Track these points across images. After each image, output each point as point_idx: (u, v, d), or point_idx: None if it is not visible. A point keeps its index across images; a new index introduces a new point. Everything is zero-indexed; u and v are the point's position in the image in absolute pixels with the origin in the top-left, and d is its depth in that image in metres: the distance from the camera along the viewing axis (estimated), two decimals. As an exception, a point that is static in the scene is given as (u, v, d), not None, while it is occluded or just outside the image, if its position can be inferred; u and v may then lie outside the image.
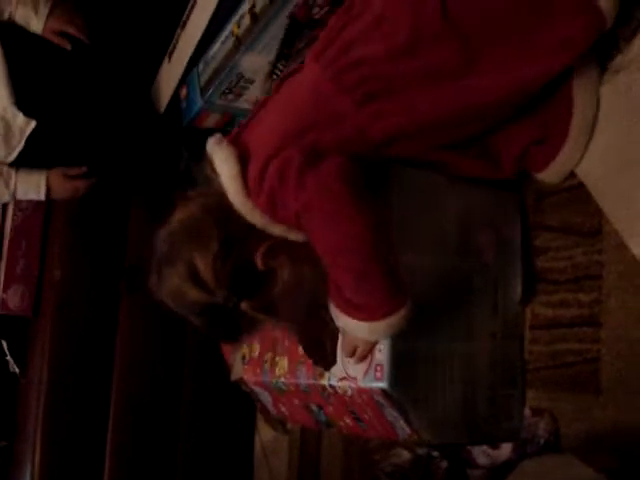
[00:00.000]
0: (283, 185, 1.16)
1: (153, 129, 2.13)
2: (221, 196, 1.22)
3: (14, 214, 2.28)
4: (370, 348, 1.26)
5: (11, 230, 2.26)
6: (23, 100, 1.98)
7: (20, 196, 2.10)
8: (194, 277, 1.20)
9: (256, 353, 1.66)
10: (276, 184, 1.16)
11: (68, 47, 2.03)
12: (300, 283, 1.24)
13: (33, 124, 1.98)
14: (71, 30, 2.03)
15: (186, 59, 1.92)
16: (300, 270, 1.24)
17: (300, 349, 1.52)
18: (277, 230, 1.22)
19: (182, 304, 1.24)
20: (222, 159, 1.22)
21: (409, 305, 1.19)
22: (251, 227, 1.21)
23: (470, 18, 1.20)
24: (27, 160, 2.04)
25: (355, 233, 1.13)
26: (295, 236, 1.22)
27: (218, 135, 1.26)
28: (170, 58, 2.04)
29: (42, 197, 2.08)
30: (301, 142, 1.20)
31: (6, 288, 2.24)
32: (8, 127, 1.99)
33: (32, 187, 2.07)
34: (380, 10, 1.22)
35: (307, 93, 1.25)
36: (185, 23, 1.91)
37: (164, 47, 2.07)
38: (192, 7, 1.86)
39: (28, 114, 1.98)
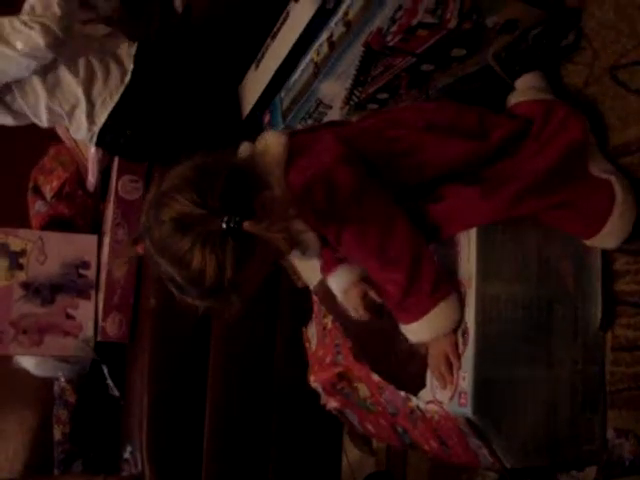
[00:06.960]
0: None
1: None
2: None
3: (110, 247, 2.39)
4: (455, 349, 1.32)
5: (108, 262, 2.39)
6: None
7: None
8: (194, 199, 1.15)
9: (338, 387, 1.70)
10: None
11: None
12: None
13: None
14: None
15: (272, 71, 1.95)
16: None
17: (374, 375, 1.57)
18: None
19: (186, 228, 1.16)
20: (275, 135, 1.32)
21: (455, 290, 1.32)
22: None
23: None
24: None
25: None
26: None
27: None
28: (257, 66, 2.09)
29: None
30: None
31: (105, 317, 2.36)
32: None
33: None
34: None
35: None
36: (276, 34, 1.95)
37: (254, 53, 2.10)
38: (284, 20, 1.91)
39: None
